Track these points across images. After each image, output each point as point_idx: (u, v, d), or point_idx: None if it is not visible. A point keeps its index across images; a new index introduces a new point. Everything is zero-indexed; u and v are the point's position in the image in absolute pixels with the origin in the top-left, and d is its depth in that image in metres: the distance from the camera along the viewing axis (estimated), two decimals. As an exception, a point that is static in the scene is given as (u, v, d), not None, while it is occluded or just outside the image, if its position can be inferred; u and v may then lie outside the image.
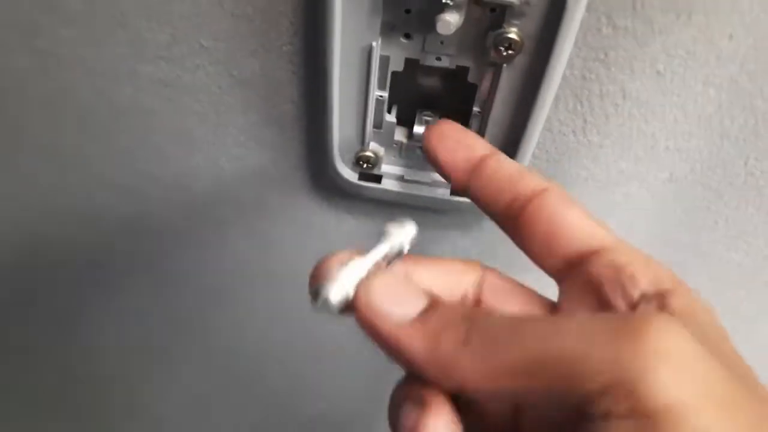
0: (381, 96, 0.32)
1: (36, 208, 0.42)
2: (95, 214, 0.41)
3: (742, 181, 0.35)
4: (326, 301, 0.18)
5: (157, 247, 0.44)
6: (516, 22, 0.27)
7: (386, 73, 0.31)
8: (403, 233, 0.21)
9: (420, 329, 0.18)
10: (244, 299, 0.48)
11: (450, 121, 0.27)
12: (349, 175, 0.35)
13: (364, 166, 0.34)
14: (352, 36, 0.29)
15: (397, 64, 0.30)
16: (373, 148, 0.34)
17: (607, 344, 0.15)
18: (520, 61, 0.29)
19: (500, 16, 0.27)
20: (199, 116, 0.34)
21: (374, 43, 0.29)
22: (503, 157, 0.25)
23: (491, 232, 0.39)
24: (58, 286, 0.49)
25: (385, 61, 0.30)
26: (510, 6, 0.26)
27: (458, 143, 0.26)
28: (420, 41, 0.29)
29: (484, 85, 0.31)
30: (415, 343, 0.18)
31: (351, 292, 0.19)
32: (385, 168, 0.35)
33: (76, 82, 0.33)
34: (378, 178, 0.35)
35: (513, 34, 0.28)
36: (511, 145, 0.32)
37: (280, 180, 0.38)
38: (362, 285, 0.19)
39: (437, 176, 0.35)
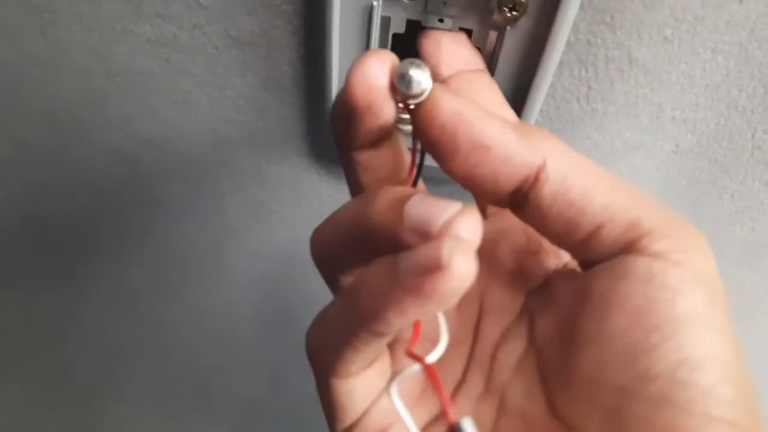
0: (381, 59, 0.31)
1: (29, 173, 0.41)
2: (89, 180, 0.41)
3: (748, 154, 0.34)
4: (419, 83, 0.18)
5: (150, 214, 0.43)
6: (521, -19, 0.26)
7: (387, 35, 0.30)
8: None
9: (500, 120, 0.18)
10: (239, 270, 0.48)
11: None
12: (348, 141, 0.35)
13: (364, 132, 0.34)
14: (353, -5, 0.29)
15: (398, 26, 0.30)
16: (373, 113, 0.34)
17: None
18: (525, 23, 0.28)
19: (505, -26, 0.26)
20: (195, 78, 0.34)
21: (375, 3, 0.28)
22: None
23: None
24: (49, 253, 0.48)
25: (386, 22, 0.30)
26: (515, -37, 0.26)
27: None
28: (422, 2, 0.29)
29: (488, 49, 0.30)
30: (507, 126, 0.18)
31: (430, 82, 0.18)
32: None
33: (72, 41, 0.33)
34: (378, 145, 0.35)
35: (518, -6, 0.27)
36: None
37: (277, 147, 0.37)
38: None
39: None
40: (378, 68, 0.18)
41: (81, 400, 0.72)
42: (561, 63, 0.30)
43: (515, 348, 0.21)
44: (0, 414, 0.75)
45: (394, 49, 0.31)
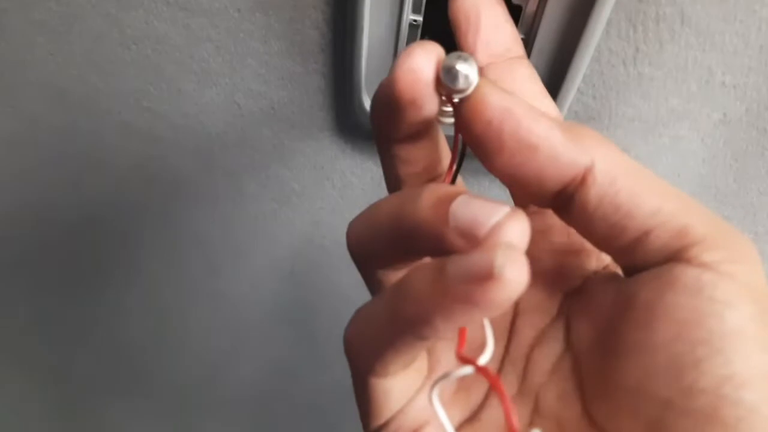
0: (415, 20, 0.29)
1: (38, 150, 0.39)
2: (101, 157, 0.39)
3: (800, 124, 0.33)
4: (466, 77, 0.17)
5: (165, 195, 0.41)
6: (571, -72, 0.25)
7: (422, -6, 0.28)
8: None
9: (548, 118, 0.17)
10: (254, 258, 0.46)
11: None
12: (376, 113, 0.33)
13: (393, 102, 0.32)
14: (387, -52, 0.27)
15: (434, -17, 0.28)
16: (404, 82, 0.32)
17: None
18: (571, -23, 0.26)
19: None
20: (215, 44, 0.32)
21: (410, -43, 0.27)
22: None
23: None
24: (59, 235, 0.47)
25: (421, -21, 0.28)
26: None
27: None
28: (461, -45, 0.27)
29: (530, 7, 0.28)
30: (555, 125, 0.17)
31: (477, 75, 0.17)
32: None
33: (84, 5, 0.31)
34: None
35: (566, -57, 0.25)
36: (555, 77, 0.30)
37: (300, 120, 0.35)
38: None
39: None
40: (424, 61, 0.18)
41: (81, 400, 0.70)
42: (609, 21, 0.28)
43: (551, 350, 0.21)
44: (0, 414, 0.73)
45: (428, 10, 0.29)
